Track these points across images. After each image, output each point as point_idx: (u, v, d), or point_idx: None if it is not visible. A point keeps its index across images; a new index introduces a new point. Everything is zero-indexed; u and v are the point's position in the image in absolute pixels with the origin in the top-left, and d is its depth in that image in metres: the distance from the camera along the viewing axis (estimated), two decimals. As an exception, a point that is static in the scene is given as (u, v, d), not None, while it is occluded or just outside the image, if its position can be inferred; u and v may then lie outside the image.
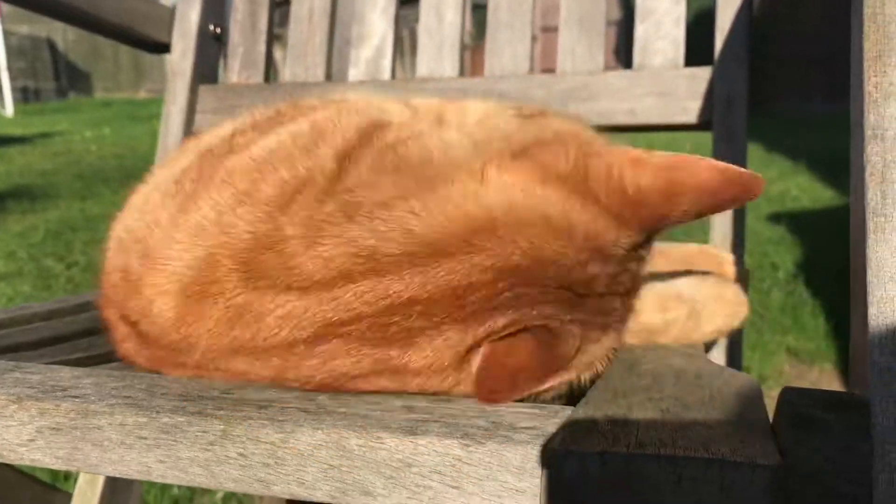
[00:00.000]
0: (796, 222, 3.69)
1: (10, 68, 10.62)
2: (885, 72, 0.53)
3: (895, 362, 0.46)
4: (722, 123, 1.06)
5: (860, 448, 0.45)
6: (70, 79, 12.51)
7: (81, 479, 1.14)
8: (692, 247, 0.93)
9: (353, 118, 0.65)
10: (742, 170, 0.53)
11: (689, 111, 1.09)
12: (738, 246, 1.04)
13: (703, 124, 1.08)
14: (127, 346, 0.67)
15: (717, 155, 1.06)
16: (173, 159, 0.76)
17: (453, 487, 0.45)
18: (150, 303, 0.60)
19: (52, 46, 12.08)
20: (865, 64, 0.54)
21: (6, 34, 10.86)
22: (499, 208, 0.53)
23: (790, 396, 0.49)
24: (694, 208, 0.54)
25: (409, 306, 0.52)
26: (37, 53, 11.81)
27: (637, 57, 1.12)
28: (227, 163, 0.62)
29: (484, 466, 0.45)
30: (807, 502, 0.44)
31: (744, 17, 1.07)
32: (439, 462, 0.45)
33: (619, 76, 1.12)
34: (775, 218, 3.84)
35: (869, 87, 0.54)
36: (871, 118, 0.53)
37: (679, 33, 1.11)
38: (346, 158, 0.59)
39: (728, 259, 0.92)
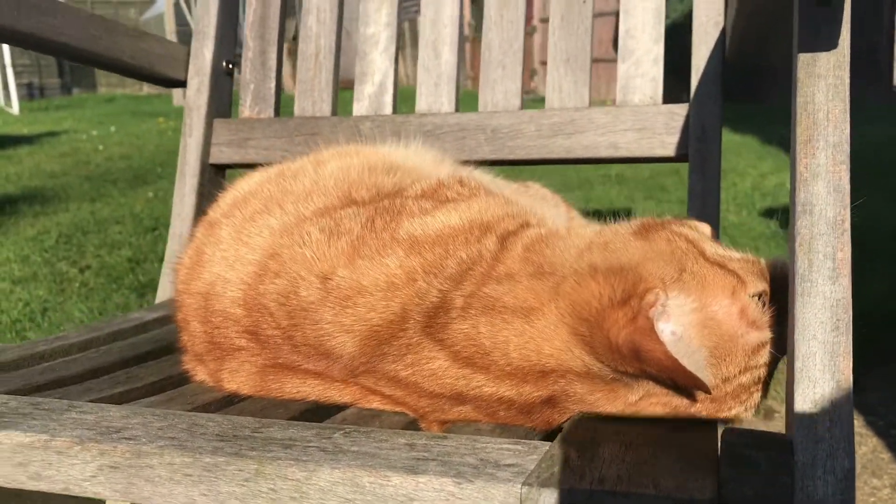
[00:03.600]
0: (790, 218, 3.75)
1: (14, 65, 10.72)
2: (813, 154, 0.63)
3: (814, 409, 0.56)
4: (696, 156, 1.15)
5: (783, 482, 0.55)
6: (74, 75, 12.61)
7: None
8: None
9: (506, 209, 0.82)
10: (692, 374, 0.62)
11: (667, 145, 1.18)
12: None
13: (680, 157, 1.17)
14: (239, 361, 0.80)
15: (692, 185, 1.15)
16: (287, 192, 0.88)
17: (448, 518, 0.55)
18: (329, 336, 0.73)
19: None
20: (798, 147, 0.64)
21: (9, 31, 10.93)
22: None
23: (729, 437, 0.58)
24: (649, 372, 0.64)
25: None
26: (40, 50, 11.91)
27: (619, 94, 1.21)
28: (407, 226, 0.77)
29: (473, 501, 0.54)
30: (740, 528, 0.54)
31: (716, 57, 1.16)
32: (436, 497, 0.55)
33: (603, 112, 1.21)
34: (769, 213, 3.91)
35: (800, 167, 0.63)
36: (801, 195, 0.62)
37: (657, 72, 1.20)
38: (504, 241, 0.75)
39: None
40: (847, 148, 0.63)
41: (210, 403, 0.79)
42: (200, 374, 0.86)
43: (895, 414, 2.08)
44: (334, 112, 1.35)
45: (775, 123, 5.91)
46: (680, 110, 1.18)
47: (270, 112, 1.38)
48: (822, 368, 0.57)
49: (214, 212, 0.93)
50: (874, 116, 6.21)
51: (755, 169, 4.98)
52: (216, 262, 0.83)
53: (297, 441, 0.62)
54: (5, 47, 10.69)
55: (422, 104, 1.30)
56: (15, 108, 10.44)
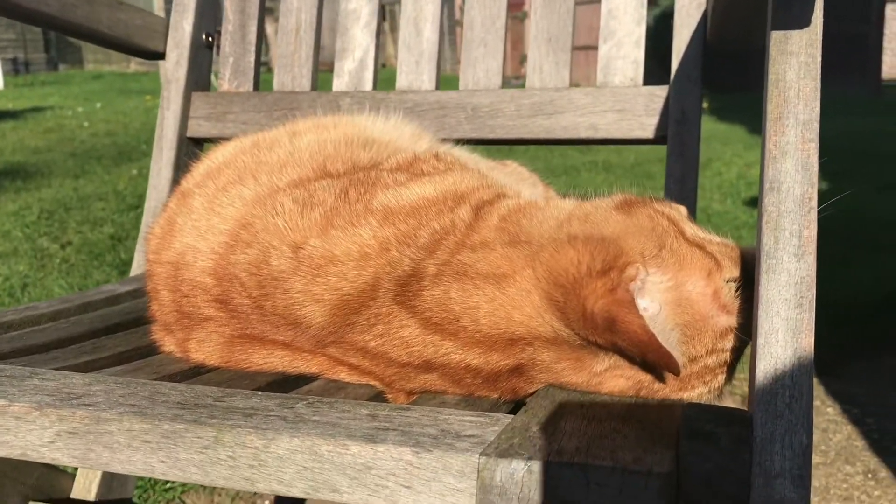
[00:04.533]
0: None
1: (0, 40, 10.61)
2: (783, 132, 0.63)
3: (774, 385, 0.56)
4: (675, 139, 1.15)
5: (743, 457, 0.55)
6: (60, 51, 12.47)
7: (84, 461, 1.23)
8: None
9: (482, 181, 0.82)
10: (667, 351, 0.62)
11: (647, 127, 1.17)
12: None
13: (659, 139, 1.17)
14: (207, 331, 0.80)
15: (671, 168, 1.15)
16: (259, 162, 0.88)
17: (405, 487, 0.55)
18: (299, 306, 0.73)
19: (41, 17, 12.00)
20: (767, 124, 0.63)
21: (-5, 5, 10.80)
22: None
23: (690, 412, 0.58)
24: (621, 346, 0.64)
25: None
26: (27, 25, 11.76)
27: (600, 75, 1.21)
28: (381, 197, 0.77)
29: (431, 470, 0.54)
30: (696, 500, 0.54)
31: (698, 39, 1.16)
32: (394, 466, 0.55)
33: (584, 93, 1.20)
34: (753, 202, 3.92)
35: (769, 144, 0.63)
36: (769, 173, 0.62)
37: (639, 54, 1.20)
38: (479, 211, 0.75)
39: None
40: (816, 126, 0.63)
41: (175, 374, 0.78)
42: (168, 344, 0.85)
43: (872, 403, 2.09)
44: (314, 87, 1.34)
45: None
46: (660, 92, 1.17)
47: (250, 86, 1.36)
48: (784, 345, 0.57)
49: (187, 182, 0.92)
50: (862, 108, 6.24)
51: (741, 158, 5.00)
52: (187, 231, 0.82)
53: (259, 410, 0.62)
54: (-9, 21, 10.56)
55: (402, 81, 1.29)
56: None
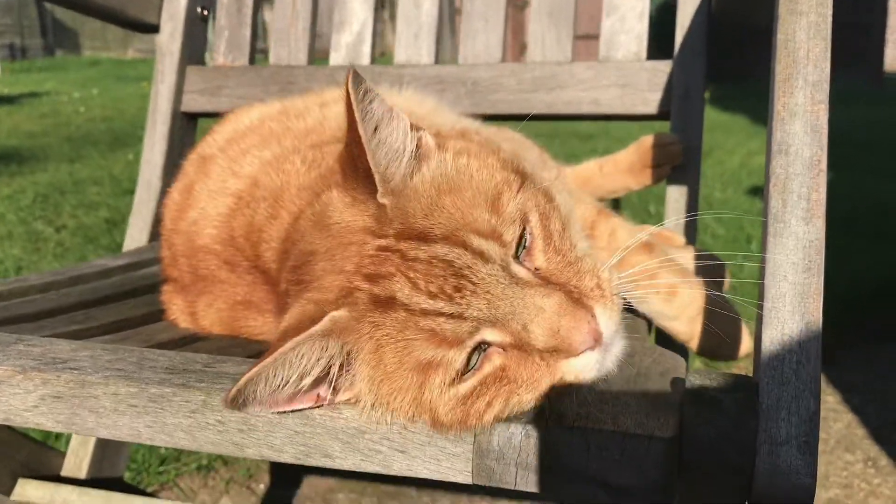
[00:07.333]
0: (774, 196, 3.75)
1: (-4, 25, 10.54)
2: (791, 93, 0.61)
3: (781, 351, 0.54)
4: (679, 114, 1.13)
5: (748, 424, 0.53)
6: (57, 37, 12.40)
7: (74, 440, 1.21)
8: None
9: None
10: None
11: (650, 102, 1.15)
12: (691, 232, 1.11)
13: (662, 114, 1.15)
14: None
15: (674, 144, 1.13)
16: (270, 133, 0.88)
17: (400, 451, 0.53)
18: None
19: (39, 3, 11.96)
20: (776, 85, 0.61)
21: (-8, -10, 10.76)
22: None
23: (694, 378, 0.56)
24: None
25: None
26: (24, 10, 11.70)
27: (602, 49, 1.19)
28: None
29: (426, 434, 0.53)
30: (701, 469, 0.53)
31: (702, 13, 1.14)
32: (388, 430, 0.53)
33: (586, 67, 1.18)
34: (754, 191, 3.90)
35: (777, 106, 0.61)
36: (777, 135, 0.60)
37: (642, 28, 1.18)
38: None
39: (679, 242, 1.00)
40: (826, 87, 0.61)
41: (166, 342, 0.76)
42: (175, 309, 0.84)
43: (872, 391, 2.08)
44: (310, 61, 1.31)
45: (766, 101, 5.88)
46: (664, 67, 1.15)
47: (245, 60, 1.34)
48: (792, 310, 0.55)
49: (209, 146, 0.91)
50: (864, 99, 6.22)
51: (743, 147, 4.97)
52: (203, 198, 0.81)
53: (250, 375, 0.60)
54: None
55: (400, 55, 1.27)
56: (-3, 68, 10.28)
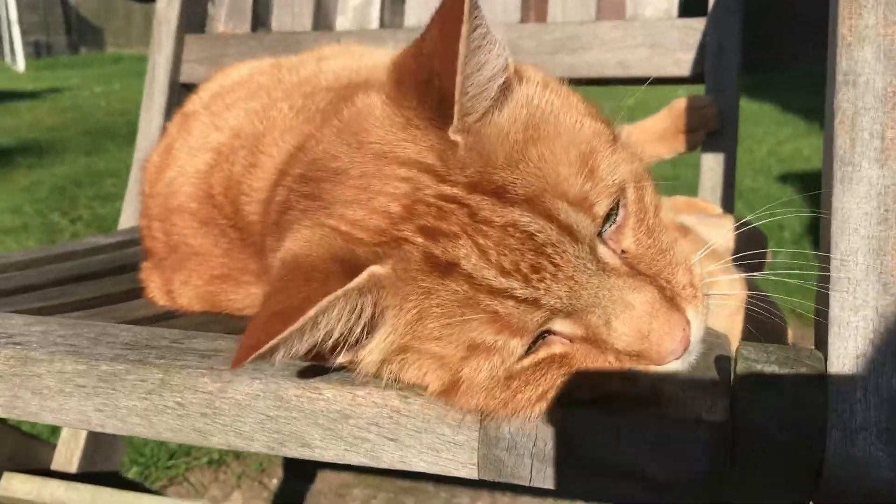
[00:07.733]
0: (806, 183, 3.63)
1: (21, 23, 10.57)
2: (860, 14, 0.51)
3: (856, 318, 0.44)
4: (713, 75, 1.03)
5: (811, 404, 0.44)
6: (82, 34, 12.43)
7: (65, 431, 1.14)
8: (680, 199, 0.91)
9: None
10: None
11: (682, 63, 1.05)
12: (728, 203, 1.02)
13: (695, 76, 1.05)
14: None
15: (709, 108, 1.03)
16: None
17: (390, 440, 0.44)
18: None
19: (64, 1, 12.00)
20: (839, 5, 0.51)
21: (18, -12, 10.81)
22: None
23: (747, 352, 0.47)
24: None
25: None
26: (49, 8, 11.74)
27: (630, 7, 1.09)
28: None
29: (422, 419, 0.43)
30: (757, 460, 0.43)
31: (739, -35, 1.04)
32: (377, 414, 0.44)
33: (612, 26, 1.08)
34: (784, 178, 3.79)
35: (843, 29, 0.51)
36: (843, 63, 0.50)
37: (673, -18, 1.08)
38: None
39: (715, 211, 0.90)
40: (901, 8, 0.51)
41: (141, 319, 0.68)
42: (153, 287, 0.76)
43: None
44: (315, 27, 1.23)
45: (795, 90, 5.76)
46: (697, 24, 1.05)
47: (247, 27, 1.26)
48: (866, 268, 0.46)
49: (193, 103, 0.85)
50: None
51: (773, 136, 4.84)
52: (182, 156, 0.73)
53: (222, 351, 0.51)
54: (12, 4, 10.56)
55: (411, 18, 1.18)
56: (20, 65, 10.31)
